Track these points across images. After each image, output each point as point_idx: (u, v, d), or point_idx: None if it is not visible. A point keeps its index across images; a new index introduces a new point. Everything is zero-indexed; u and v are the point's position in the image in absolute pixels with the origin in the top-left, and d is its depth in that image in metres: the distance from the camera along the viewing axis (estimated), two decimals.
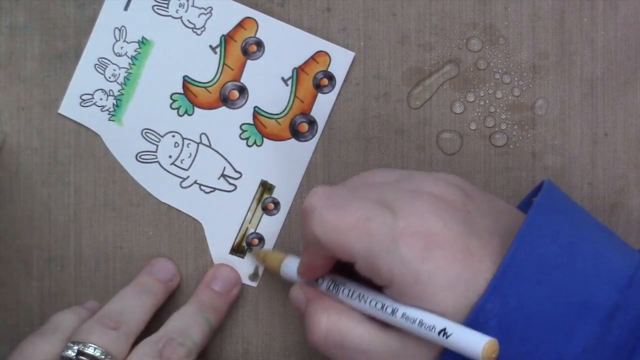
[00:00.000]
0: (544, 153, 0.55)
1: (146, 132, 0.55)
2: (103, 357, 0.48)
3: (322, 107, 0.55)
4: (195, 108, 0.55)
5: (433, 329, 0.43)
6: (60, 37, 0.55)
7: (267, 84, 0.55)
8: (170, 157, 0.55)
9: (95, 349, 0.48)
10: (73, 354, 0.48)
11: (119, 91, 0.55)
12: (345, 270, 0.48)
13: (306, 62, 0.55)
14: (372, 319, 0.46)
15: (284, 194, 0.55)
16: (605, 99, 0.55)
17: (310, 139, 0.55)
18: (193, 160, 0.55)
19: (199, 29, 0.55)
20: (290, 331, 0.55)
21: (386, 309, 0.45)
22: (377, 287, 0.46)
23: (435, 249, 0.43)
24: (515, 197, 0.55)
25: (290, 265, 0.51)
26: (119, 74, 0.55)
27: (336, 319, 0.46)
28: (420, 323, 0.43)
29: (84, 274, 0.56)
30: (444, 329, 0.42)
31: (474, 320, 0.42)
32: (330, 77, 0.55)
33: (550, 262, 0.43)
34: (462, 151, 0.55)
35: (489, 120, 0.55)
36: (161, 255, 0.55)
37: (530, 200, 0.50)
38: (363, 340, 0.45)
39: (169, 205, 0.56)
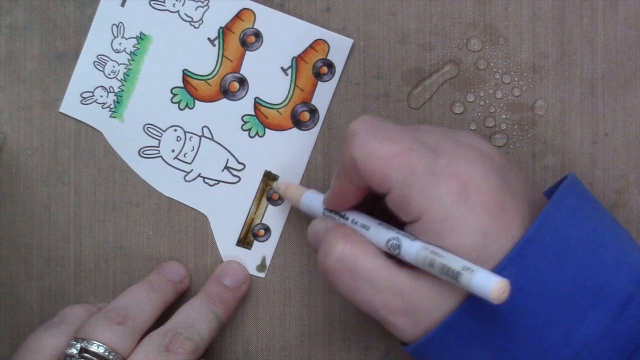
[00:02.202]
0: (544, 153, 0.55)
1: (148, 128, 0.55)
2: (107, 354, 0.48)
3: (323, 95, 0.55)
4: (196, 101, 0.55)
5: (453, 265, 0.43)
6: (60, 37, 0.55)
7: (267, 75, 0.55)
8: (173, 151, 0.55)
9: (99, 346, 0.48)
10: (75, 352, 0.48)
11: (119, 87, 0.55)
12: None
13: (305, 51, 0.55)
14: (390, 256, 0.46)
15: None
16: (605, 99, 0.55)
17: (312, 127, 0.55)
18: (196, 154, 0.55)
19: (196, 22, 0.55)
20: (290, 331, 0.56)
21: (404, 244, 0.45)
22: (401, 227, 0.46)
23: (471, 194, 0.44)
24: None
25: (312, 198, 0.51)
26: (119, 71, 0.55)
27: (353, 245, 0.46)
28: (441, 257, 0.43)
29: (84, 274, 0.56)
30: (465, 267, 0.42)
31: None
32: (330, 65, 0.55)
33: (573, 244, 0.44)
34: None
35: (489, 120, 0.55)
36: (161, 256, 0.55)
37: (552, 191, 0.50)
38: (375, 273, 0.45)
39: (169, 205, 0.56)
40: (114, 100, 0.55)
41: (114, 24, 0.55)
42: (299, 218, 0.55)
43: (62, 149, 0.56)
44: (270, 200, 0.55)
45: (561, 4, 0.55)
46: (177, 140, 0.55)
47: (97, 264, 0.56)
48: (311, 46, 0.55)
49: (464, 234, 0.43)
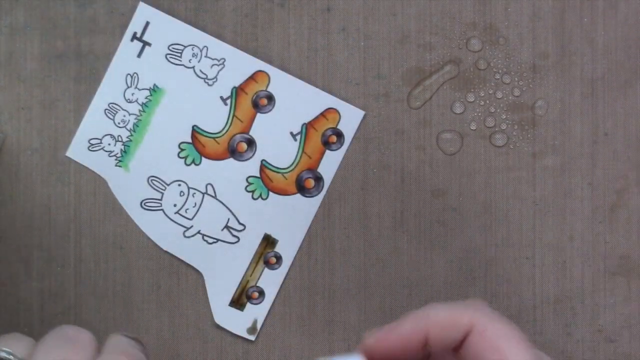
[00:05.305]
0: (544, 153, 0.55)
1: (152, 180, 0.55)
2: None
3: (329, 163, 0.55)
4: (203, 158, 0.55)
5: None
6: (60, 37, 0.55)
7: (276, 138, 0.55)
8: (175, 205, 0.55)
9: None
10: None
11: (127, 137, 0.55)
12: None
13: (316, 118, 0.55)
14: None
15: (287, 249, 0.55)
16: (605, 99, 0.55)
17: (316, 195, 0.55)
18: (198, 210, 0.55)
19: (210, 79, 0.55)
20: (290, 331, 0.56)
21: None
22: None
23: None
24: (515, 197, 0.55)
25: None
26: (129, 120, 0.55)
27: None
28: None
29: (84, 274, 0.56)
30: None
31: None
32: (339, 135, 0.55)
33: None
34: (462, 151, 0.55)
35: (489, 120, 0.55)
36: (161, 256, 0.55)
37: None
38: None
39: None
40: (121, 150, 0.55)
41: (129, 74, 0.55)
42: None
43: (62, 149, 0.56)
44: (267, 263, 0.55)
45: (561, 4, 0.55)
46: (180, 195, 0.55)
47: (97, 264, 0.56)
48: (322, 114, 0.55)
49: None
